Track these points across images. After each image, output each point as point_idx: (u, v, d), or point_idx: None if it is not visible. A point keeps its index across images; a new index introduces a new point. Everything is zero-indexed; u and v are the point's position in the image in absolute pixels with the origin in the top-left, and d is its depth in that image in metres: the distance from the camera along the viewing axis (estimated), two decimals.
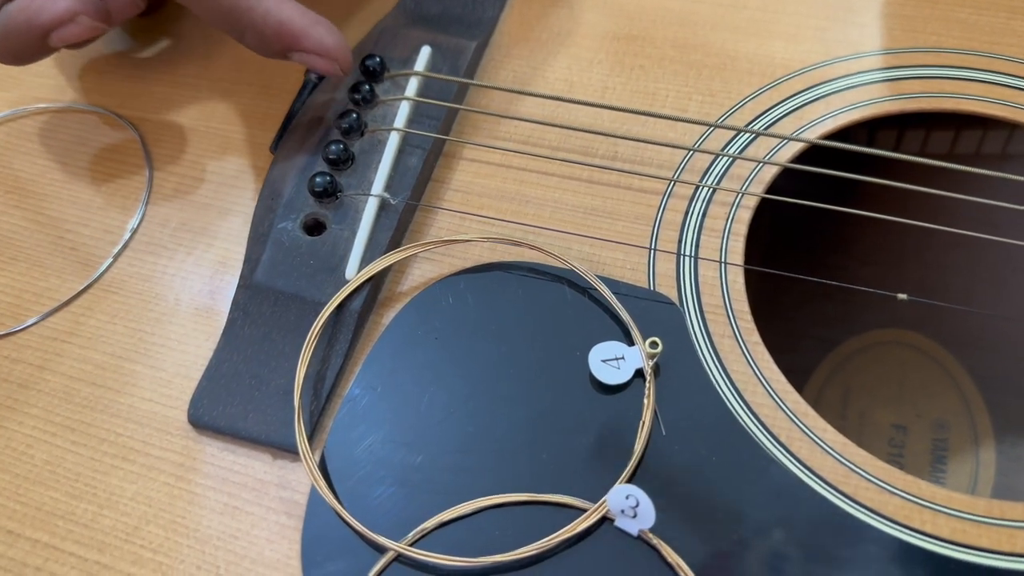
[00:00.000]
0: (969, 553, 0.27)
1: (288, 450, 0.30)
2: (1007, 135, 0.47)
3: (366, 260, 0.32)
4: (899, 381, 0.46)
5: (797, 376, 0.47)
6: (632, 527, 0.28)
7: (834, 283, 0.33)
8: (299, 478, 0.30)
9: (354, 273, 0.32)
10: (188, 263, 0.35)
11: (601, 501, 0.28)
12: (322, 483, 0.29)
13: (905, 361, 0.47)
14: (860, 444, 0.29)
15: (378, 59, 0.36)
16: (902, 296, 0.31)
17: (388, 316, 0.33)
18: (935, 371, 0.46)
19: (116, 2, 0.35)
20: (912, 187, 0.32)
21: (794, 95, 0.36)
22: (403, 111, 0.35)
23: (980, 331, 0.46)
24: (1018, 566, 0.27)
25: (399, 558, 0.28)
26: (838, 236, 0.48)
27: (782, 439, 0.29)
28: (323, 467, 0.30)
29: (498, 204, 0.35)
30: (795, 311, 0.48)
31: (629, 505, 0.27)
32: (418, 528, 0.28)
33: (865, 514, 0.28)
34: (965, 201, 0.32)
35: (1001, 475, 0.43)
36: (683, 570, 0.27)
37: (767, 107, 0.36)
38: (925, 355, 0.47)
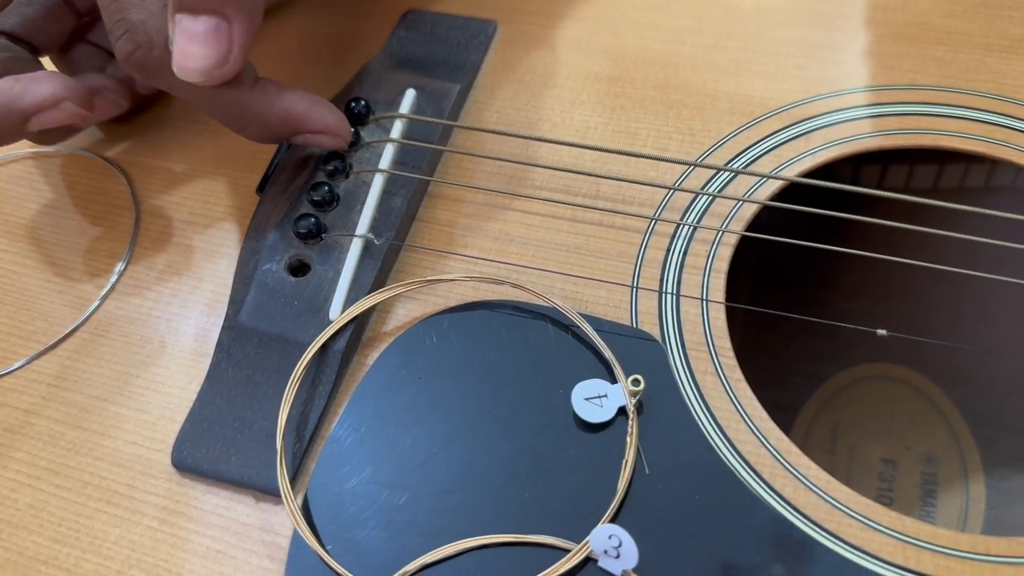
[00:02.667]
0: None
1: (271, 493, 0.30)
2: (989, 169, 0.47)
3: (350, 301, 0.33)
4: (888, 416, 0.46)
5: (786, 412, 0.47)
6: (616, 567, 0.28)
7: (814, 319, 0.34)
8: (282, 521, 0.30)
9: (338, 314, 0.32)
10: (174, 305, 0.35)
11: (584, 542, 0.28)
12: (304, 527, 0.29)
13: (894, 396, 0.47)
14: (849, 479, 0.29)
15: (363, 102, 0.37)
16: (882, 332, 0.31)
17: (372, 356, 0.33)
18: (923, 405, 0.46)
19: (101, 95, 0.35)
20: (893, 224, 0.33)
21: (773, 133, 0.37)
22: (387, 153, 0.36)
23: (968, 366, 0.46)
24: None
25: None
26: (824, 271, 0.48)
27: (765, 477, 0.29)
28: (306, 509, 0.30)
29: (482, 243, 0.35)
30: (783, 347, 0.48)
31: (612, 545, 0.27)
32: (400, 572, 0.28)
33: (850, 551, 0.28)
34: (949, 236, 0.32)
35: (991, 509, 0.43)
36: None
37: (746, 145, 0.36)
38: (913, 389, 0.47)
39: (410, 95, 0.37)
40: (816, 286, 0.48)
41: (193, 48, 0.29)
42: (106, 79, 0.38)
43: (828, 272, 0.49)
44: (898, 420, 0.46)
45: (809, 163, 0.36)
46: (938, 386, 0.46)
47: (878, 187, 0.34)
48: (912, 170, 0.49)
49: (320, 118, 0.34)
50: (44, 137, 0.36)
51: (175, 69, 0.30)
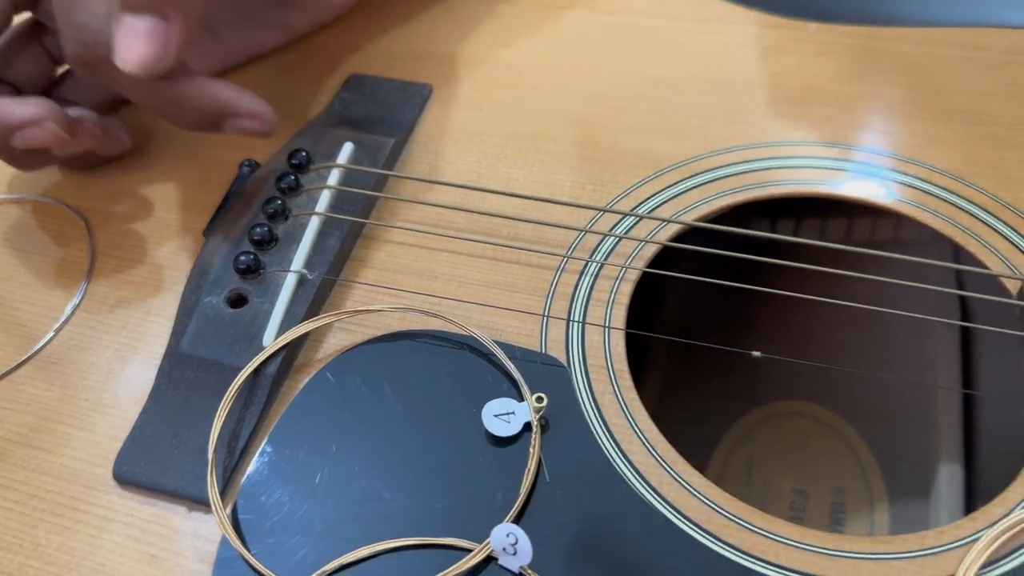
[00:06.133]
0: None
1: (203, 502, 0.33)
2: (895, 223, 0.51)
3: (283, 329, 0.36)
4: (800, 449, 0.49)
5: (705, 446, 0.50)
6: (513, 564, 0.30)
7: (699, 343, 0.37)
8: (212, 528, 0.32)
9: (271, 341, 0.35)
10: (123, 336, 0.38)
11: (486, 541, 0.31)
12: (230, 530, 0.31)
13: (806, 431, 0.50)
14: (763, 508, 0.32)
15: (304, 153, 0.40)
16: (756, 353, 0.35)
17: (303, 381, 0.36)
18: (834, 440, 0.49)
19: (81, 125, 0.39)
20: (790, 263, 0.36)
21: (674, 184, 0.41)
22: (324, 198, 0.39)
23: (876, 402, 0.50)
24: None
25: None
26: (743, 315, 0.52)
27: (653, 483, 0.32)
28: (235, 518, 0.32)
29: (409, 280, 0.39)
30: (703, 385, 0.52)
31: (510, 543, 0.30)
32: (318, 572, 0.31)
33: (727, 550, 0.30)
34: (860, 280, 0.36)
35: (893, 533, 0.45)
36: None
37: (650, 194, 0.40)
38: (825, 425, 0.50)
39: (347, 147, 0.41)
40: (736, 330, 0.52)
41: (135, 44, 0.34)
42: (87, 112, 0.41)
43: (747, 317, 0.52)
44: (810, 454, 0.49)
45: (705, 209, 0.40)
46: (848, 421, 0.50)
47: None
48: (824, 224, 0.53)
49: (246, 103, 0.38)
50: (24, 160, 0.40)
51: (118, 63, 0.34)
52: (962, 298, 0.48)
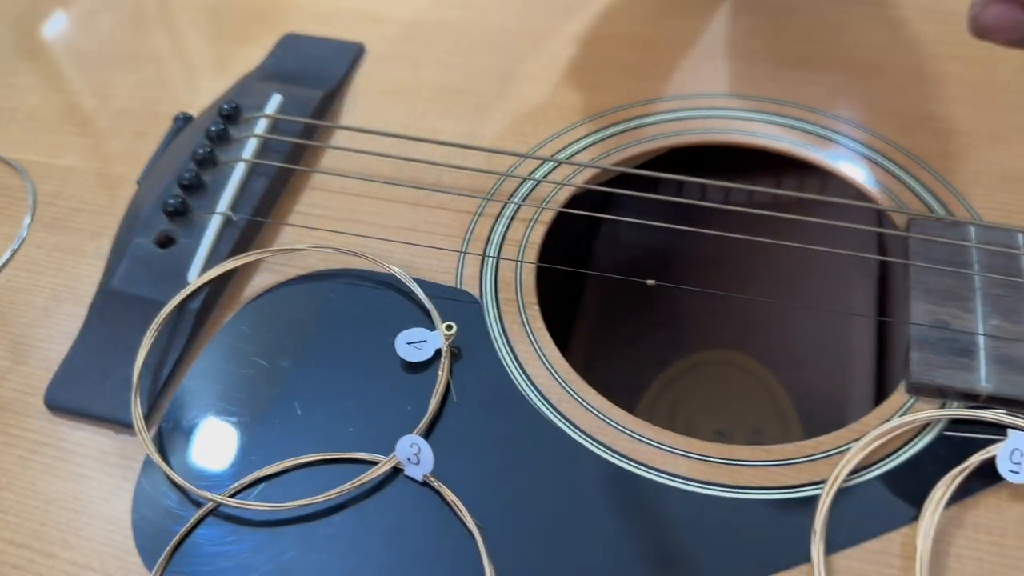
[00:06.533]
0: (705, 487, 0.32)
1: (128, 425, 0.34)
2: (801, 173, 0.53)
3: (207, 267, 0.38)
4: (722, 395, 0.51)
5: (634, 393, 0.53)
6: (417, 473, 0.32)
7: (605, 274, 0.39)
8: (136, 448, 0.34)
9: (195, 278, 0.37)
10: (59, 277, 0.40)
11: (392, 454, 0.33)
12: (151, 448, 0.33)
13: (728, 377, 0.52)
14: None
15: (235, 104, 0.42)
16: (650, 282, 0.37)
17: (228, 316, 0.38)
18: (754, 385, 0.52)
19: None
20: (710, 204, 0.39)
21: (591, 133, 0.43)
22: (251, 146, 0.41)
23: (793, 349, 0.52)
24: (728, 494, 0.32)
25: (218, 508, 0.32)
26: (671, 262, 0.54)
27: (553, 401, 0.34)
28: (160, 439, 0.34)
29: (335, 223, 0.40)
30: (635, 340, 0.54)
31: (413, 452, 0.32)
32: (236, 483, 0.33)
33: (618, 459, 0.33)
34: (779, 222, 0.38)
35: None
36: (458, 507, 0.31)
37: (569, 142, 0.42)
38: (745, 371, 0.52)
39: (275, 99, 0.43)
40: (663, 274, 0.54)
41: None
42: None
43: (674, 263, 0.54)
44: (731, 398, 0.51)
45: (617, 157, 0.42)
46: (767, 368, 0.52)
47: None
48: (745, 174, 0.56)
49: None
50: None
51: None
52: (880, 241, 0.50)
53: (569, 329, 0.53)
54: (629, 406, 0.52)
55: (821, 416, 0.50)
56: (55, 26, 0.52)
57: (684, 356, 0.53)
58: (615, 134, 0.43)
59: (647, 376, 0.53)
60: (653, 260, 0.53)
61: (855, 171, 0.41)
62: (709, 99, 0.44)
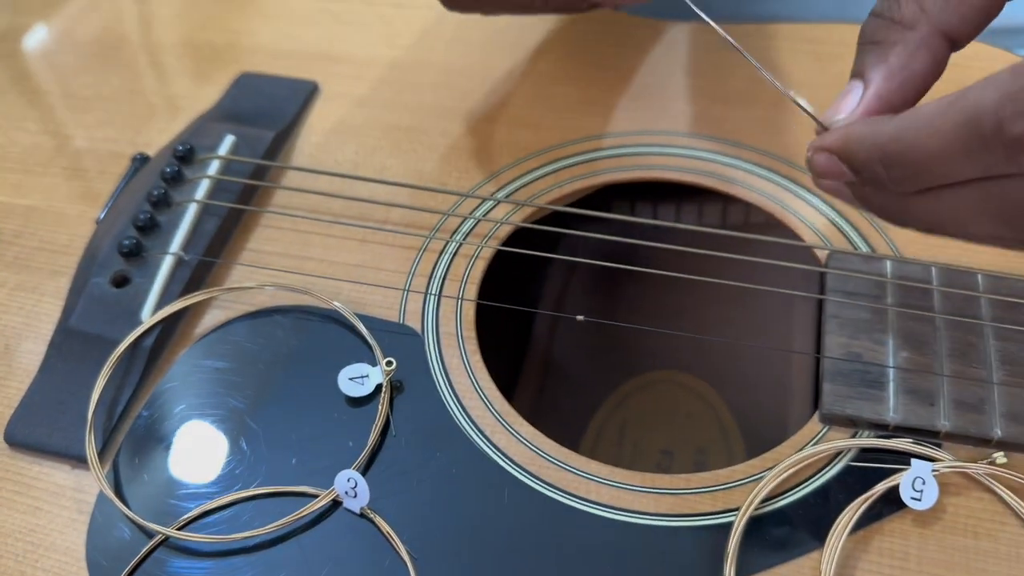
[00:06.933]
0: (626, 515, 0.34)
1: (83, 460, 0.36)
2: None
3: (160, 306, 0.39)
4: (669, 414, 0.53)
5: (584, 414, 0.55)
6: (355, 505, 0.34)
7: (539, 311, 0.41)
8: (91, 482, 0.36)
9: (148, 316, 0.39)
10: (20, 316, 0.41)
11: (332, 487, 0.34)
12: (104, 482, 0.35)
13: (675, 397, 0.54)
14: (632, 467, 0.35)
15: (189, 146, 0.44)
16: (580, 318, 0.39)
17: (180, 353, 0.39)
18: (700, 405, 0.54)
19: None
20: (648, 243, 0.40)
21: (531, 170, 0.45)
22: (204, 187, 0.43)
23: (738, 370, 0.54)
24: (663, 523, 0.33)
25: (167, 540, 0.34)
26: (616, 294, 0.56)
27: (487, 433, 0.36)
28: (115, 474, 0.36)
29: (284, 261, 0.42)
30: (584, 363, 0.56)
31: (350, 487, 0.34)
32: (184, 516, 0.34)
33: (545, 488, 0.34)
34: (717, 258, 0.40)
35: None
36: (393, 538, 0.33)
37: (510, 179, 0.44)
38: (692, 391, 0.54)
39: (228, 140, 0.45)
40: (613, 307, 0.56)
41: None
42: None
43: (620, 295, 0.56)
44: (677, 418, 0.53)
45: (557, 194, 0.44)
46: (712, 388, 0.54)
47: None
48: (702, 209, 0.58)
49: None
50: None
51: None
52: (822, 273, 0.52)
53: (522, 356, 0.55)
54: (579, 428, 0.54)
55: (764, 435, 0.52)
56: (15, 67, 0.54)
57: (633, 377, 0.55)
58: (556, 170, 0.45)
59: (597, 397, 0.54)
60: (598, 288, 0.55)
61: (783, 208, 0.43)
62: (647, 136, 0.46)
